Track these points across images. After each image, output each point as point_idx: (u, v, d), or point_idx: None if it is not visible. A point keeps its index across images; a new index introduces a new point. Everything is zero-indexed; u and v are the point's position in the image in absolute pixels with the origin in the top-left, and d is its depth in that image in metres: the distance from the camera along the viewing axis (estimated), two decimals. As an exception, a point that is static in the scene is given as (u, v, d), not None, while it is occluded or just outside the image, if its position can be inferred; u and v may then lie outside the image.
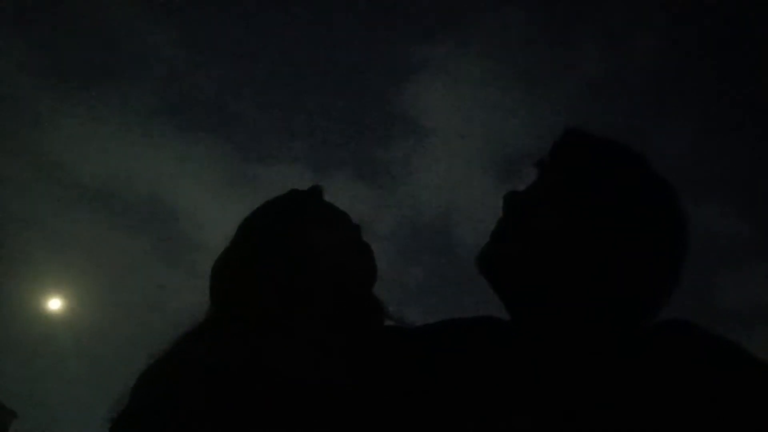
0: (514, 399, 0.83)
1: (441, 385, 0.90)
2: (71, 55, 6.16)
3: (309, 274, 1.01)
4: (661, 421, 0.74)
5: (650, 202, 0.91)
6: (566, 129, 0.96)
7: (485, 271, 0.94)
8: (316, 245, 1.03)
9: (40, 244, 6.86)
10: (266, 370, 0.89)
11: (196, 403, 0.84)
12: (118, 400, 0.90)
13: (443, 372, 0.91)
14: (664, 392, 0.76)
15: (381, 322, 1.08)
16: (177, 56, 6.37)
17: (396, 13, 6.04)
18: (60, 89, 6.30)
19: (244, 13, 6.07)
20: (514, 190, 0.95)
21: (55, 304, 7.13)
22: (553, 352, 0.86)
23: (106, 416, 0.89)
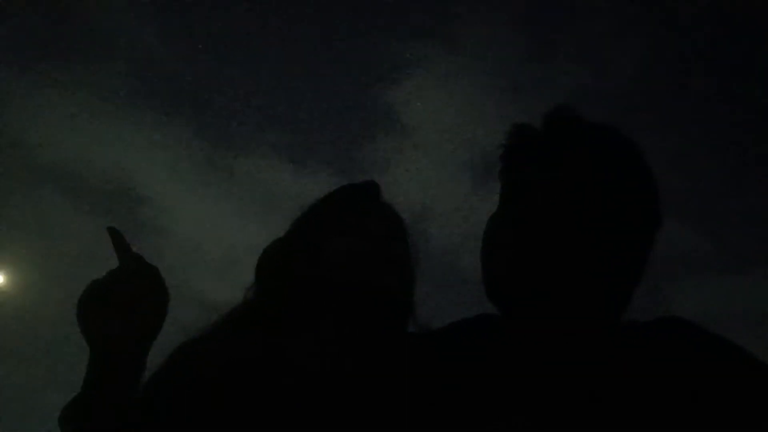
0: (510, 398, 0.82)
1: (438, 384, 0.89)
2: (38, 33, 6.03)
3: (327, 277, 1.05)
4: (657, 418, 0.74)
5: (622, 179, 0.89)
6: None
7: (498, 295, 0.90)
8: (335, 252, 1.06)
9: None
10: (274, 358, 0.96)
11: (205, 389, 0.91)
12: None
13: (441, 371, 0.91)
14: (659, 389, 0.76)
15: (403, 326, 1.09)
16: (156, 41, 6.27)
17: (386, 12, 6.02)
18: (24, 66, 6.16)
19: (229, 5, 6.00)
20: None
21: None
22: (546, 350, 0.85)
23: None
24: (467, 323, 1.01)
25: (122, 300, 0.87)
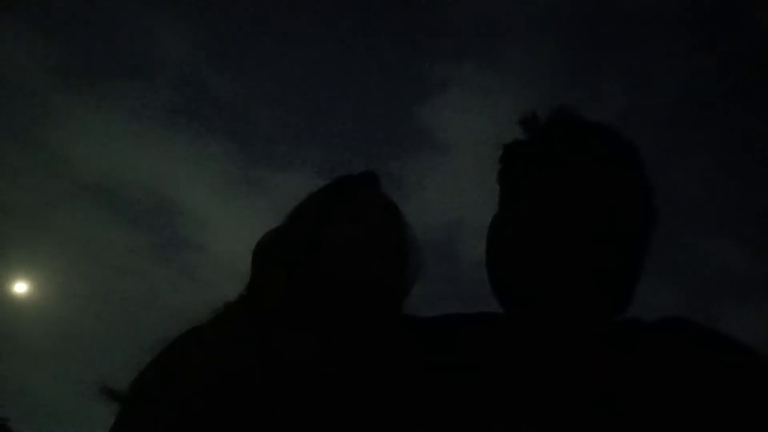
0: (512, 397, 0.80)
1: (437, 381, 0.87)
2: (85, 52, 6.20)
3: (322, 267, 1.00)
4: (661, 418, 0.72)
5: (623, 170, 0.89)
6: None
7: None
8: (330, 241, 1.02)
9: (19, 229, 6.86)
10: (268, 354, 0.89)
11: (198, 392, 0.84)
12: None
13: (440, 367, 0.89)
14: (663, 388, 0.74)
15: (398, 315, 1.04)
16: (194, 59, 6.39)
17: (425, 29, 6.04)
18: (72, 84, 6.33)
19: (265, 21, 6.08)
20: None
21: (20, 288, 7.13)
22: (549, 348, 0.84)
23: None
24: (470, 318, 0.99)
25: None
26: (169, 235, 7.08)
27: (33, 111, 6.52)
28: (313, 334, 0.95)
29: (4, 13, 5.99)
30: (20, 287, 7.13)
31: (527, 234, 0.86)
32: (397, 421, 0.85)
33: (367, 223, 1.04)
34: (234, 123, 6.67)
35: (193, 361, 0.89)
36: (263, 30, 6.26)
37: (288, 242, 1.05)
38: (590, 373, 0.79)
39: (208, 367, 0.88)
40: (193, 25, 6.35)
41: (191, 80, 6.49)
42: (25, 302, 6.98)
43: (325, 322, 0.97)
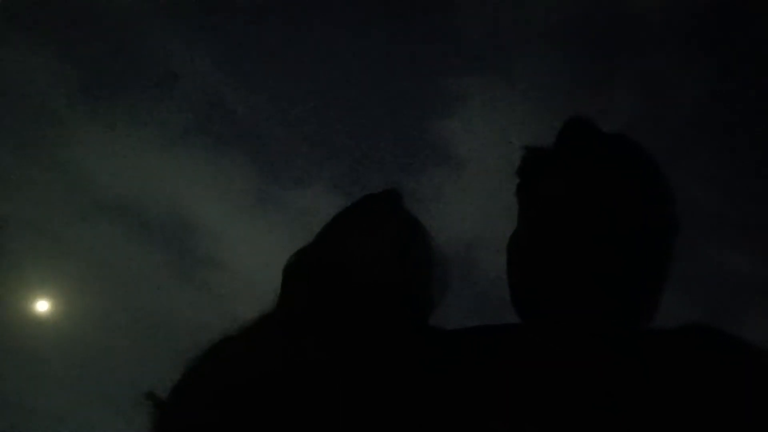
0: (499, 403, 0.81)
1: (453, 387, 0.87)
2: (105, 72, 6.31)
3: (337, 278, 1.04)
4: (663, 419, 0.73)
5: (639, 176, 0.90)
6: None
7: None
8: (351, 253, 1.07)
9: (41, 248, 6.95)
10: (293, 362, 0.93)
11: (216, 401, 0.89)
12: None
13: (433, 370, 0.90)
14: (666, 390, 0.74)
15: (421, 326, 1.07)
16: (212, 77, 6.48)
17: (439, 43, 6.10)
18: (92, 105, 6.45)
19: (283, 38, 6.18)
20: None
21: (42, 306, 7.20)
22: (546, 352, 0.84)
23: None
24: (483, 327, 0.99)
25: None
26: (188, 252, 7.12)
27: (55, 132, 6.65)
28: (322, 340, 0.98)
29: (26, 41, 6.15)
30: (42, 305, 7.22)
31: (535, 238, 0.88)
32: (398, 421, 0.86)
33: (383, 234, 1.08)
34: (251, 140, 6.73)
35: (217, 369, 0.95)
36: (280, 46, 6.32)
37: (310, 257, 1.10)
38: (592, 374, 0.79)
39: (230, 374, 0.93)
40: (211, 44, 6.43)
41: (210, 98, 6.56)
42: (47, 321, 7.06)
43: (340, 331, 1.00)
